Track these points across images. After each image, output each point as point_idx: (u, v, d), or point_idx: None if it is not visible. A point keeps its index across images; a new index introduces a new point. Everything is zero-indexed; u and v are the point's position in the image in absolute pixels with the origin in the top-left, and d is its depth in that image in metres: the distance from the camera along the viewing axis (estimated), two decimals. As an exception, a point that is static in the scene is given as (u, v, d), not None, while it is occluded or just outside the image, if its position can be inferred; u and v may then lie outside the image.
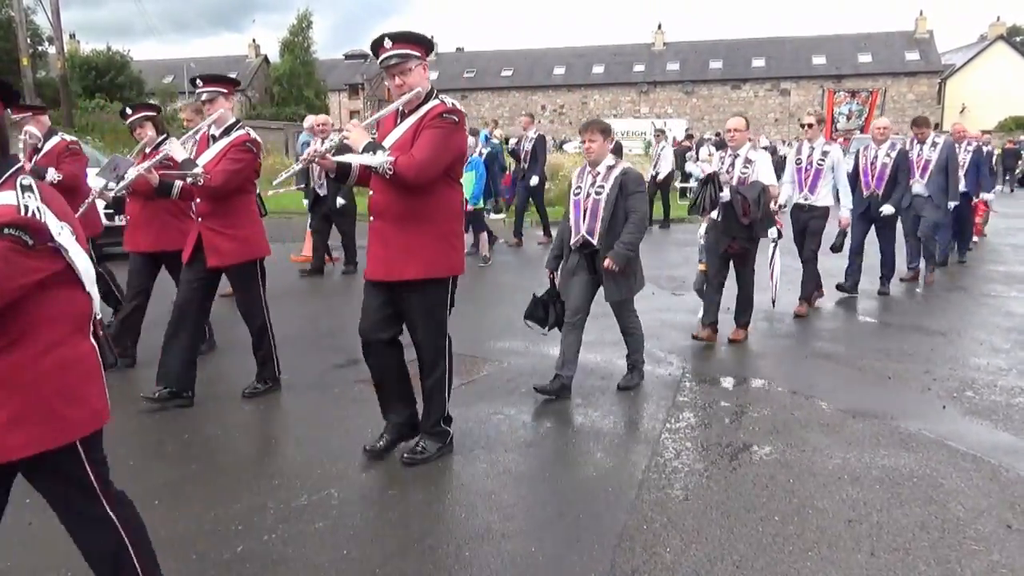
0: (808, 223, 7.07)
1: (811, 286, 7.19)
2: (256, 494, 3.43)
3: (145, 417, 4.39)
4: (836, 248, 7.42)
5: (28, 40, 22.65)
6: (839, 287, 7.83)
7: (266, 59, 54.69)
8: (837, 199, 7.22)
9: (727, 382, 5.18)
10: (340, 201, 9.18)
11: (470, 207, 8.88)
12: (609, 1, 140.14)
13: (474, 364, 5.45)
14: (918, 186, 8.32)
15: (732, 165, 6.10)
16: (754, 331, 6.35)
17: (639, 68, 50.87)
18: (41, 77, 26.78)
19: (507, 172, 16.55)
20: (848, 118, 26.27)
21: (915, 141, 8.67)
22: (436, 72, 53.77)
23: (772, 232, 6.23)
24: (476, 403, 4.64)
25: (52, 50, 25.53)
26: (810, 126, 7.14)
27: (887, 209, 7.50)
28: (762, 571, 2.85)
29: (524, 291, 7.51)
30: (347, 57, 59.30)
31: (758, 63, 48.87)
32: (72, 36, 44.93)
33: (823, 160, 6.96)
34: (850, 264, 7.82)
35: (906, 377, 5.27)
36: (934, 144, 8.61)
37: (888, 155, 7.65)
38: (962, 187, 8.89)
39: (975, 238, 11.02)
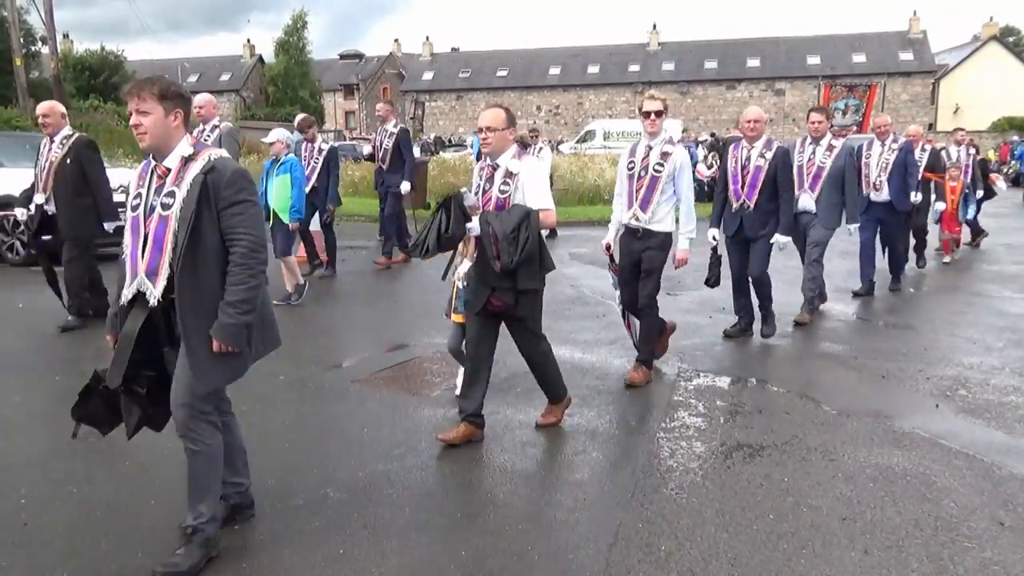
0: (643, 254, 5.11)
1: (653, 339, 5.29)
2: (252, 494, 3.43)
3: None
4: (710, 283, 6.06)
5: (21, 40, 22.57)
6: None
7: (261, 59, 54.58)
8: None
9: (723, 382, 5.19)
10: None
11: (292, 223, 7.36)
12: (604, 1, 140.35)
13: (470, 364, 5.45)
14: (806, 199, 6.67)
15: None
16: (751, 331, 6.36)
17: (634, 68, 50.92)
18: (34, 78, 26.71)
19: None
20: (844, 113, 25.77)
21: (874, 142, 7.95)
22: (431, 72, 53.79)
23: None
24: (472, 403, 4.64)
25: (45, 50, 25.45)
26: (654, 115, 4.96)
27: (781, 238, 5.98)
28: (757, 569, 2.87)
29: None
30: (342, 57, 59.26)
31: (753, 63, 48.98)
32: (65, 36, 44.85)
33: (660, 167, 4.97)
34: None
35: (900, 376, 5.29)
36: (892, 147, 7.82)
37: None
38: (885, 195, 7.69)
39: (946, 257, 10.22)
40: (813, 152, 6.72)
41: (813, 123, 6.71)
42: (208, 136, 7.18)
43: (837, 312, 7.32)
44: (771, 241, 5.92)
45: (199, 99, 7.27)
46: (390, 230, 9.74)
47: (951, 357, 5.76)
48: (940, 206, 9.76)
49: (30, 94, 22.00)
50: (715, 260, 5.96)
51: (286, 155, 7.44)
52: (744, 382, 5.19)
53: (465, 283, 4.25)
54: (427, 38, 56.37)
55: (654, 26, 52.77)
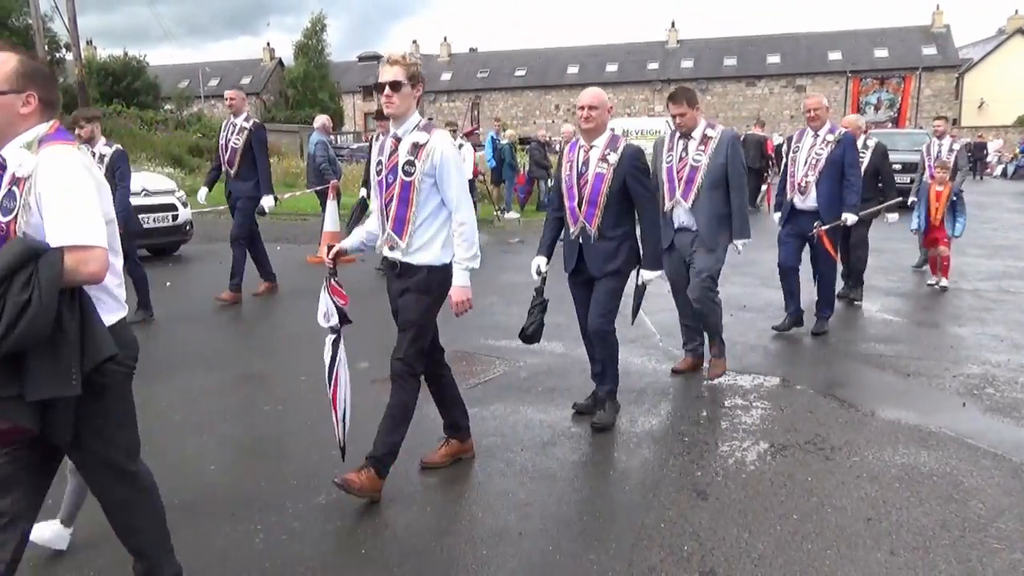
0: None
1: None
2: (273, 494, 3.46)
3: (162, 420, 4.43)
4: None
5: (46, 47, 22.89)
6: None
7: (280, 62, 55.06)
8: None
9: (745, 380, 5.15)
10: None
11: None
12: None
13: (490, 363, 5.46)
14: (681, 211, 4.92)
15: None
16: (774, 329, 6.31)
17: (653, 66, 50.75)
18: (59, 84, 27.05)
19: (519, 172, 16.65)
20: (877, 108, 24.59)
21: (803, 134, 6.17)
22: (449, 73, 53.91)
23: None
24: (492, 402, 4.65)
25: (70, 57, 25.80)
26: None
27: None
28: (780, 569, 2.84)
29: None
30: (361, 59, 59.52)
31: (773, 60, 48.62)
32: (89, 42, 45.45)
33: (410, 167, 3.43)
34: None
35: (926, 374, 5.22)
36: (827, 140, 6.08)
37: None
38: (812, 202, 5.94)
39: (932, 278, 8.15)
40: (685, 149, 4.91)
41: (674, 116, 4.85)
42: (238, 131, 7.49)
43: (861, 310, 7.23)
44: (643, 281, 4.29)
45: (229, 92, 7.72)
46: (238, 257, 7.59)
47: (977, 355, 5.67)
48: (893, 217, 7.38)
49: (55, 100, 22.29)
50: (538, 305, 4.25)
51: None
52: (767, 381, 5.14)
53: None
54: (445, 39, 56.55)
55: (672, 24, 52.58)
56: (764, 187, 17.33)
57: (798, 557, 2.92)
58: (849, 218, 5.95)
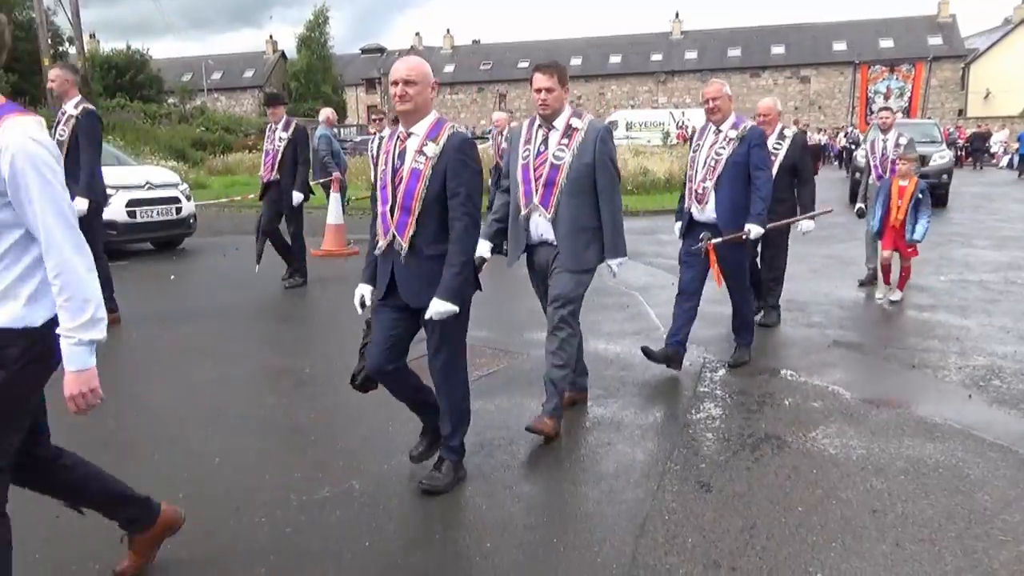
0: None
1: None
2: (278, 487, 3.46)
3: (167, 414, 4.44)
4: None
5: (49, 41, 22.90)
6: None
7: (283, 55, 55.00)
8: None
9: (748, 372, 5.14)
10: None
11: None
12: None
13: (494, 356, 5.46)
14: (540, 221, 3.96)
15: None
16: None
17: (656, 57, 50.61)
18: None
19: None
20: (886, 97, 23.99)
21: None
22: (452, 65, 53.82)
23: None
24: (497, 395, 4.64)
25: (73, 50, 25.82)
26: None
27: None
28: (785, 561, 2.83)
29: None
30: (364, 52, 59.48)
31: (777, 50, 48.44)
32: (92, 36, 45.51)
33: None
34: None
35: (931, 366, 5.20)
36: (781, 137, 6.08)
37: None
38: (711, 212, 4.87)
39: (894, 294, 7.11)
40: (545, 141, 3.94)
41: (538, 91, 3.85)
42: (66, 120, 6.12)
43: (865, 301, 7.21)
44: (434, 313, 3.20)
45: (50, 73, 6.44)
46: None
47: (983, 346, 5.65)
48: (808, 226, 6.05)
49: (58, 93, 22.34)
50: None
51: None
52: (771, 372, 5.13)
53: None
54: (448, 31, 56.52)
55: (676, 15, 52.39)
56: None
57: (803, 549, 2.92)
58: (753, 230, 4.80)
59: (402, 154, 3.22)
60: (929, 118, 30.13)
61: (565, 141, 3.88)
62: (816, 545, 2.94)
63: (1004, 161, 31.41)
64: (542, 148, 3.93)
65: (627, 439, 4.05)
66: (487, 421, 4.20)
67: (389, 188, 3.25)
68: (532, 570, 2.80)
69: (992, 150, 32.66)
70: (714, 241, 4.81)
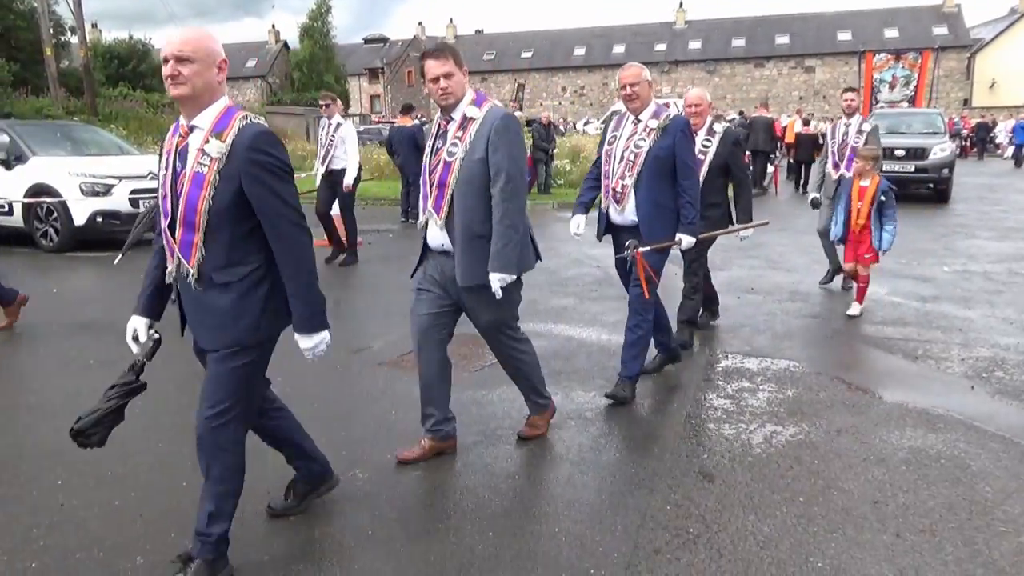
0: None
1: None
2: (281, 476, 3.47)
3: (171, 402, 4.45)
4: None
5: (51, 31, 22.85)
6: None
7: (286, 45, 54.84)
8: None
9: (752, 363, 5.14)
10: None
11: None
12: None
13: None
14: (434, 229, 3.46)
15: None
16: (780, 311, 6.29)
17: (660, 47, 50.41)
18: (64, 67, 27.06)
19: (527, 154, 16.52)
20: (892, 86, 22.99)
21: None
22: (455, 55, 53.62)
23: None
24: (499, 385, 4.65)
25: (75, 40, 25.75)
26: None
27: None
28: (786, 552, 2.84)
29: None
30: (367, 41, 59.32)
31: (782, 40, 48.23)
32: (94, 25, 45.34)
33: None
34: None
35: (934, 357, 5.20)
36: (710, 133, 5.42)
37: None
38: (631, 214, 4.28)
39: (853, 308, 6.29)
40: (443, 136, 3.41)
41: (432, 80, 3.34)
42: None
43: (868, 292, 7.20)
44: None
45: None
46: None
47: (987, 338, 5.64)
48: (746, 233, 5.50)
49: (60, 84, 22.34)
50: (120, 389, 2.76)
51: None
52: (774, 363, 5.13)
53: None
54: (451, 20, 56.34)
55: (680, 4, 52.12)
56: (771, 169, 17.21)
57: (804, 539, 2.92)
58: (684, 240, 4.27)
59: (183, 153, 2.51)
60: (934, 108, 29.95)
61: (460, 134, 3.32)
62: (817, 536, 2.95)
63: (1009, 152, 31.26)
64: (439, 144, 3.40)
65: (630, 429, 4.05)
66: (489, 411, 4.22)
67: (170, 198, 2.53)
68: (534, 559, 2.81)
69: (998, 140, 32.45)
70: (642, 250, 4.17)
